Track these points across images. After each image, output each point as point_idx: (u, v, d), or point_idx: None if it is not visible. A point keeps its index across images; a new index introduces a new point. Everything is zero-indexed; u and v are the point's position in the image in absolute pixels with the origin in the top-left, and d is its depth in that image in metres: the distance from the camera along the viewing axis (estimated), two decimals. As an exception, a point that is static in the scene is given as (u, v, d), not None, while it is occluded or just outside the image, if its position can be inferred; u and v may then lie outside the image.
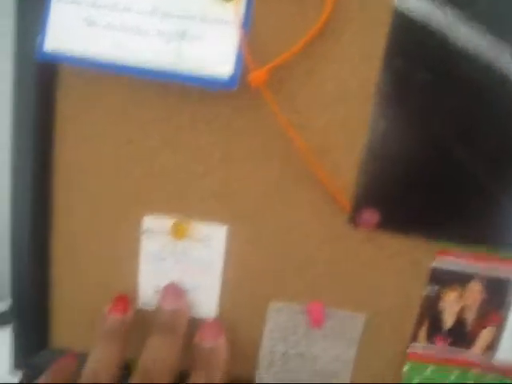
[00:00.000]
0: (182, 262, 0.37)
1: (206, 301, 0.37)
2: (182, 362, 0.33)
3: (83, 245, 0.37)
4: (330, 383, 0.38)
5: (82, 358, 0.36)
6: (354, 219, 0.35)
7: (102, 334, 0.35)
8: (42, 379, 0.34)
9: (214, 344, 0.34)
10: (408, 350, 0.37)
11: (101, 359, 0.33)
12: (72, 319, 0.39)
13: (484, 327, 0.37)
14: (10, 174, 0.36)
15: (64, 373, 0.35)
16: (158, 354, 0.32)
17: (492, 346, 0.37)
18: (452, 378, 0.38)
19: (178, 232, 0.36)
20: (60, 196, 0.37)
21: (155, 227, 0.36)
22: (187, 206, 0.36)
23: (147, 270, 0.37)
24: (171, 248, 0.36)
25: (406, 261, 0.36)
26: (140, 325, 0.37)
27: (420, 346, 0.37)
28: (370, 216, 0.35)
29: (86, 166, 0.36)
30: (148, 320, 0.38)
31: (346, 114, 0.33)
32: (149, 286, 0.37)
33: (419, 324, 0.37)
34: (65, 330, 0.40)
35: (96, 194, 0.36)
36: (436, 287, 0.36)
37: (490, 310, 0.37)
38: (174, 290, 0.36)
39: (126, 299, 0.37)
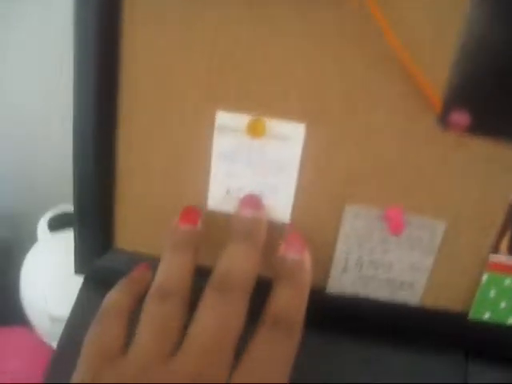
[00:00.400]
0: (257, 162, 0.35)
1: (281, 203, 0.36)
2: (261, 272, 0.32)
3: (151, 141, 0.36)
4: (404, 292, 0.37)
5: (152, 263, 0.35)
6: (443, 120, 0.33)
7: (172, 245, 0.33)
8: (117, 292, 0.33)
9: (300, 256, 0.32)
10: (488, 261, 0.36)
11: (172, 270, 0.32)
12: (137, 220, 0.38)
13: None
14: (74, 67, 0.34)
15: (140, 284, 0.34)
16: (236, 262, 0.31)
17: None
18: (531, 291, 0.37)
19: (254, 129, 0.34)
20: (127, 88, 0.35)
21: (230, 124, 0.34)
22: (264, 103, 0.34)
23: (219, 170, 0.36)
24: (246, 147, 0.35)
25: (495, 168, 0.34)
26: (210, 229, 0.36)
27: (501, 257, 0.36)
28: (461, 117, 0.33)
29: (155, 61, 0.34)
30: (218, 224, 0.37)
31: (440, 10, 0.30)
32: (220, 186, 0.36)
33: (502, 234, 0.35)
34: (130, 233, 0.39)
35: (166, 86, 0.34)
36: (524, 195, 0.34)
37: None
38: (253, 199, 0.35)
39: (195, 210, 0.35)
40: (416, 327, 0.38)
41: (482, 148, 0.33)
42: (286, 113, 0.34)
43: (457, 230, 0.35)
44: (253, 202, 0.34)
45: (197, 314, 0.29)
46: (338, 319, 0.37)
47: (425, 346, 0.38)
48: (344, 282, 0.37)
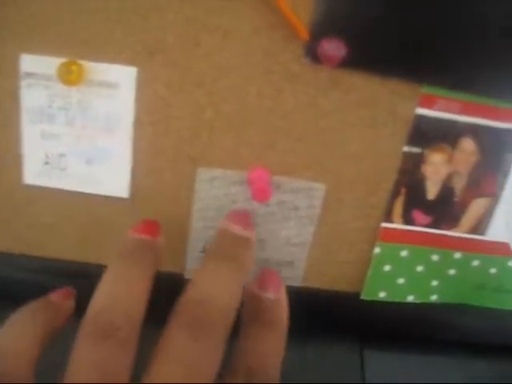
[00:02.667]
0: (80, 119, 0.27)
1: (115, 172, 0.28)
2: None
3: None
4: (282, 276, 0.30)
5: None
6: (313, 52, 0.25)
7: (120, 255, 0.23)
8: (21, 323, 0.23)
9: (278, 295, 0.25)
10: (380, 229, 0.29)
11: (117, 291, 0.22)
12: None
13: (475, 198, 0.29)
14: None
15: (57, 314, 0.25)
16: (216, 289, 0.22)
17: (483, 222, 0.30)
18: (431, 262, 0.30)
19: (67, 75, 0.26)
20: None
21: (38, 70, 0.26)
22: (81, 42, 0.25)
23: (32, 132, 0.27)
24: (63, 100, 0.26)
25: (379, 111, 0.27)
26: (26, 210, 0.28)
27: (395, 224, 0.29)
28: (335, 48, 0.25)
29: None
30: (38, 204, 0.29)
31: None
32: (36, 154, 0.28)
33: (395, 195, 0.28)
34: None
35: None
36: (418, 146, 0.27)
37: (484, 176, 0.28)
38: (243, 216, 0.26)
39: (155, 223, 0.26)
40: (301, 312, 0.31)
41: (362, 88, 0.26)
42: (110, 54, 0.25)
43: (339, 194, 0.28)
44: (243, 218, 0.26)
45: (155, 361, 0.20)
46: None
47: (314, 332, 0.32)
48: (206, 265, 0.30)
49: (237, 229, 0.25)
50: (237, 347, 0.23)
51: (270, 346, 0.23)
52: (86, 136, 0.27)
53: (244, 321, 0.24)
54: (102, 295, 0.22)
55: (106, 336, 0.20)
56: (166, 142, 0.27)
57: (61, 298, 0.25)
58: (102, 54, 0.25)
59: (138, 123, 0.27)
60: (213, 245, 0.25)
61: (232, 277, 0.23)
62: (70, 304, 0.26)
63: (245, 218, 0.26)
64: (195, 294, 0.22)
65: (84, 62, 0.26)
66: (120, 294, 0.22)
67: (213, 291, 0.22)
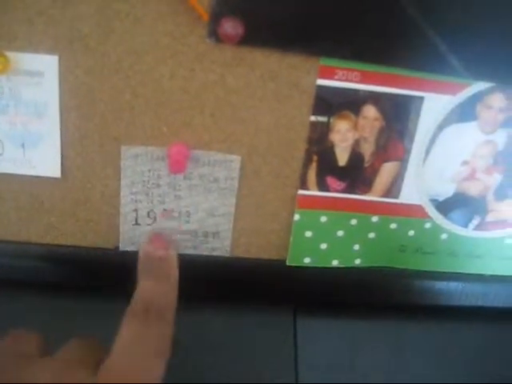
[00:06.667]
0: (11, 106, 0.29)
1: (48, 154, 0.30)
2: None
3: None
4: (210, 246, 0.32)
5: None
6: (214, 32, 0.27)
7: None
8: None
9: (166, 252, 0.30)
10: (297, 197, 0.31)
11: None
12: None
13: (384, 162, 0.31)
14: None
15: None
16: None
17: (395, 185, 0.31)
18: (351, 226, 0.32)
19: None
20: None
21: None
22: (3, 35, 0.28)
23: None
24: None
25: (283, 84, 0.29)
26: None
27: (310, 191, 0.31)
28: (233, 27, 0.27)
29: None
30: None
31: None
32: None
33: (307, 163, 0.31)
34: None
35: None
36: (323, 115, 0.30)
37: (390, 141, 0.30)
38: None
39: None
40: (231, 281, 0.33)
41: (264, 64, 0.28)
42: (33, 44, 0.28)
43: (255, 165, 0.31)
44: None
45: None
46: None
47: (245, 302, 0.34)
48: (138, 237, 0.32)
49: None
50: (135, 295, 0.27)
51: (160, 291, 0.27)
52: (19, 122, 0.30)
53: (141, 276, 0.28)
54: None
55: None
56: (91, 124, 0.30)
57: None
58: (25, 45, 0.28)
59: (65, 108, 0.29)
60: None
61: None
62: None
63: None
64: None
65: (9, 53, 0.28)
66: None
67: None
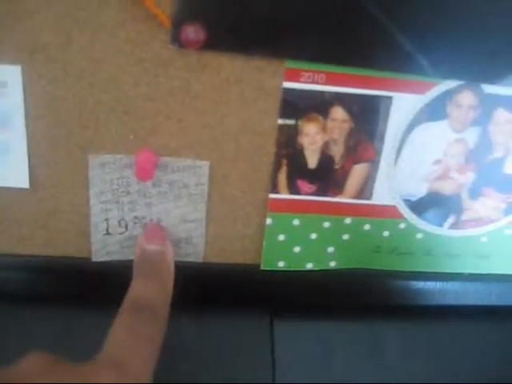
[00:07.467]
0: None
1: (15, 164, 0.30)
2: None
3: None
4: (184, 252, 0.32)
5: None
6: (177, 38, 0.27)
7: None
8: None
9: (160, 247, 0.29)
10: (268, 200, 0.31)
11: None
12: None
13: (355, 164, 0.31)
14: None
15: None
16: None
17: (367, 187, 0.31)
18: (324, 229, 0.32)
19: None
20: None
21: None
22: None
23: None
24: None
25: (248, 88, 0.28)
26: None
27: (282, 194, 0.31)
28: (195, 32, 0.27)
29: None
30: None
31: None
32: None
33: (277, 167, 0.30)
34: None
35: None
36: (291, 118, 0.29)
37: (360, 143, 0.30)
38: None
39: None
40: (205, 288, 0.33)
41: (229, 68, 0.28)
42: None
43: (223, 170, 0.30)
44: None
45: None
46: (109, 290, 0.32)
47: (221, 308, 0.33)
48: (110, 247, 0.32)
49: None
50: (129, 291, 0.26)
51: (154, 289, 0.27)
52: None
53: (135, 272, 0.28)
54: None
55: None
56: (57, 133, 0.29)
57: None
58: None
59: (30, 118, 0.29)
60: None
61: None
62: None
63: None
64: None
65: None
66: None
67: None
